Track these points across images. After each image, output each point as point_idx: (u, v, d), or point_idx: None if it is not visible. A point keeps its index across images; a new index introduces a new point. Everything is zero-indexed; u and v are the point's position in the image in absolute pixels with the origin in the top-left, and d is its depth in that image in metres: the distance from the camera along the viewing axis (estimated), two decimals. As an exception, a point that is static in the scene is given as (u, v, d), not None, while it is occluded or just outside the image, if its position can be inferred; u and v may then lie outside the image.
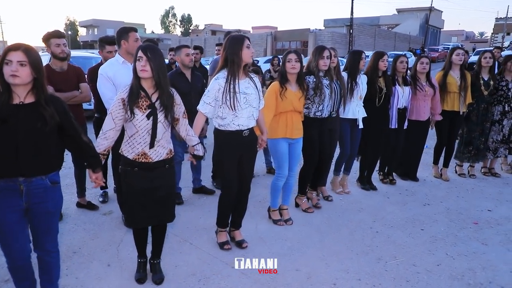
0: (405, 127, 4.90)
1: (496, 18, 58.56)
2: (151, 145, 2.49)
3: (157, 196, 2.60)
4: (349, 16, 35.67)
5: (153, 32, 72.07)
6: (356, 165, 4.98)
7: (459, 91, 5.01)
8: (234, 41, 2.95)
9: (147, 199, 2.58)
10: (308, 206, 4.22)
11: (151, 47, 2.44)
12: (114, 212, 4.01)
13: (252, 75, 3.16)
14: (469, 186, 5.18)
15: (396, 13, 58.24)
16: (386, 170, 5.24)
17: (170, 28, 77.82)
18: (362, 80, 4.46)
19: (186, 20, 79.74)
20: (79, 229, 3.68)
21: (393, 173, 5.29)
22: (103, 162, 2.54)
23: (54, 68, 3.69)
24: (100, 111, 3.81)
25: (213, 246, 3.38)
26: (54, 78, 3.59)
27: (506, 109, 5.32)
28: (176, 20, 79.38)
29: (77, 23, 68.63)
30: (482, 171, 5.68)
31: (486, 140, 5.40)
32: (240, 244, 3.35)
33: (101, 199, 4.31)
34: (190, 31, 75.92)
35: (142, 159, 2.52)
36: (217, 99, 2.97)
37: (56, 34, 3.69)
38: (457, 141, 5.52)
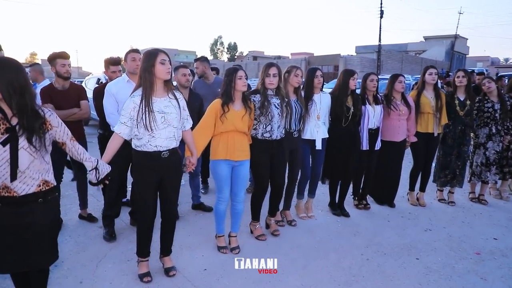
0: (377, 147, 4.23)
1: (520, 45, 54.72)
2: (13, 176, 1.88)
3: (26, 236, 1.91)
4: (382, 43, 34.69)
5: (203, 58, 73.70)
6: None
7: (434, 112, 4.33)
8: (147, 57, 2.47)
9: (14, 239, 1.90)
10: (260, 233, 3.51)
11: None
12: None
13: (177, 94, 2.63)
14: (477, 211, 4.47)
15: (424, 40, 55.94)
16: (359, 195, 4.52)
17: (218, 55, 79.22)
18: (322, 99, 3.87)
19: (232, 48, 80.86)
20: (71, 241, 3.41)
21: (367, 197, 4.55)
22: None
23: (56, 86, 3.55)
24: (104, 127, 3.69)
25: (191, 268, 2.97)
26: (55, 96, 3.50)
27: (494, 131, 4.56)
28: (224, 47, 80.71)
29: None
30: (469, 196, 4.84)
31: (464, 164, 4.60)
32: (167, 272, 2.81)
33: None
34: (235, 57, 76.95)
35: (5, 193, 1.86)
36: (133, 118, 2.47)
37: (62, 55, 3.54)
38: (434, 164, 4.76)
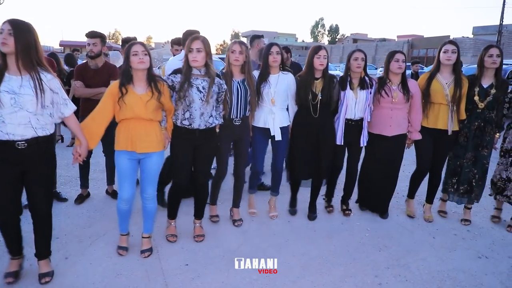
0: (363, 144, 3.35)
1: None
2: None
3: None
4: (504, 23, 29.42)
5: (303, 41, 71.99)
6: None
7: (448, 103, 3.24)
8: None
9: None
10: (172, 233, 2.99)
11: None
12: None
13: (43, 75, 2.13)
14: None
15: None
16: (341, 198, 3.73)
17: (318, 37, 76.87)
18: (280, 81, 3.13)
19: (334, 30, 77.66)
20: (85, 216, 3.43)
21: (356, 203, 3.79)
22: None
23: (89, 65, 3.58)
24: None
25: (172, 261, 2.71)
26: (86, 74, 3.55)
27: None
28: (325, 30, 78.02)
29: (240, 34, 73.22)
30: (493, 214, 3.68)
31: (483, 173, 3.42)
32: (39, 278, 2.36)
33: None
34: (336, 40, 73.90)
35: None
36: None
37: (89, 35, 3.56)
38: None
